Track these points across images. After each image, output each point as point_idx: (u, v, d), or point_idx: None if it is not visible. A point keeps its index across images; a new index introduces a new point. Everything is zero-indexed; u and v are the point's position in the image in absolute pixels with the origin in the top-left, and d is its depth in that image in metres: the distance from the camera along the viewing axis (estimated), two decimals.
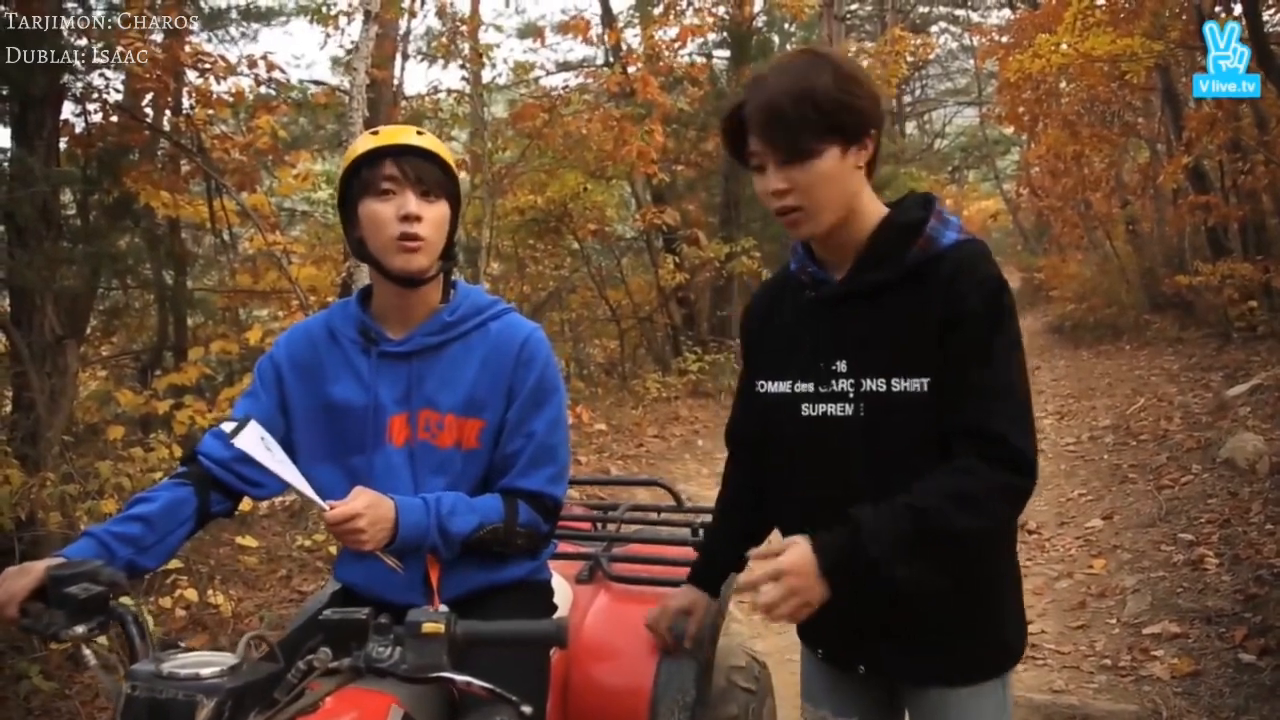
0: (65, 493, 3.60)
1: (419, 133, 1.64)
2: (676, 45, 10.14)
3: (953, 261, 1.45)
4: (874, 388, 1.47)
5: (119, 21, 6.08)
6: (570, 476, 1.84)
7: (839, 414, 1.50)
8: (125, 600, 1.36)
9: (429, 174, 1.61)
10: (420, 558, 1.61)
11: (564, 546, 2.29)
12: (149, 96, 6.93)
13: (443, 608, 1.23)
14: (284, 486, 1.51)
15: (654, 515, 2.64)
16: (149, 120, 6.70)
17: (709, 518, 2.15)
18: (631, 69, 9.61)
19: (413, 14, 9.16)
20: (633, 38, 11.22)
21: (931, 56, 21.13)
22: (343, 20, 7.96)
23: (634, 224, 12.44)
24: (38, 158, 4.79)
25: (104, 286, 6.95)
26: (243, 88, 7.04)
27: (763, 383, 1.61)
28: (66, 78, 5.48)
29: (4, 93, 5.00)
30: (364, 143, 1.62)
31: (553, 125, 8.36)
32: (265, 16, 9.85)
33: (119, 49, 5.44)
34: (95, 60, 5.65)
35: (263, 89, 7.40)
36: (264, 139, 7.04)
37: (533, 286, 11.63)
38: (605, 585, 2.18)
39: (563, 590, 2.00)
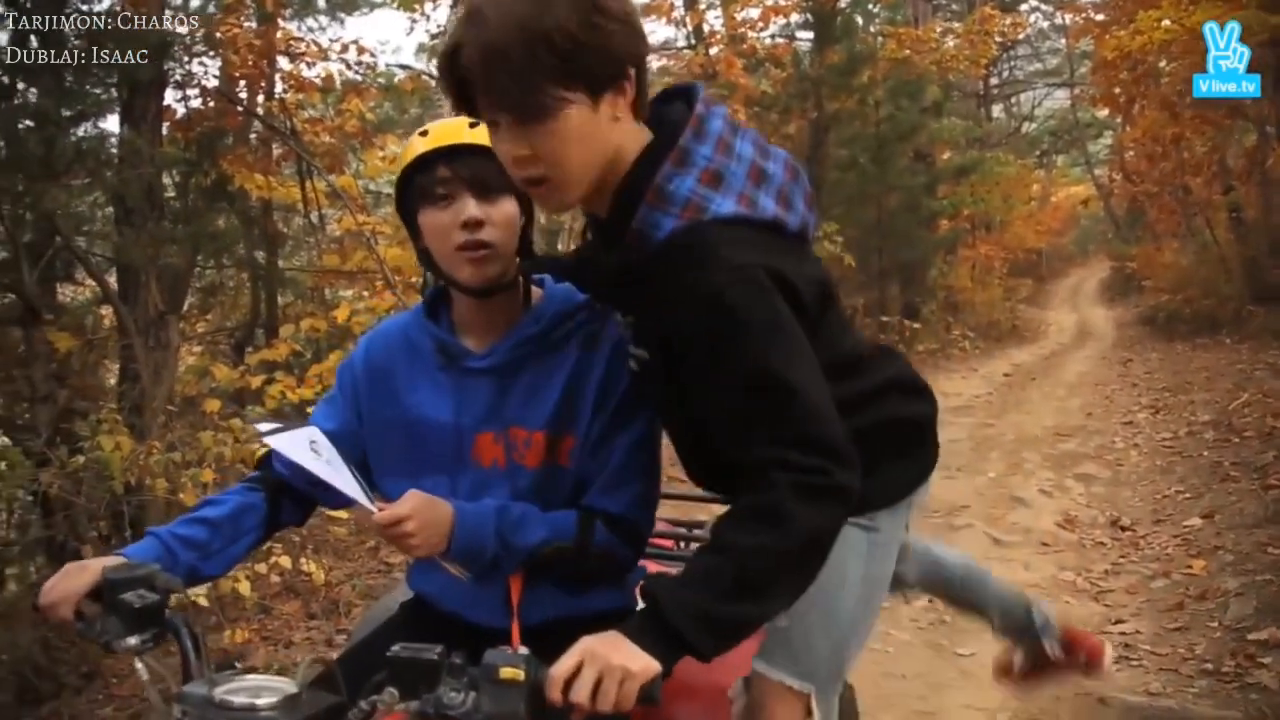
0: (170, 460, 3.75)
1: (473, 124, 1.41)
2: (759, 26, 10.04)
3: (661, 266, 1.17)
4: None
5: (216, 8, 6.30)
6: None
7: None
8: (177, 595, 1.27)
9: (488, 172, 1.39)
10: (502, 573, 1.45)
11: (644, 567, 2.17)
12: (244, 82, 7.17)
13: (523, 649, 1.09)
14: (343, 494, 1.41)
15: None
16: (244, 104, 6.90)
17: None
18: (714, 50, 9.54)
19: None
20: (715, 19, 11.15)
21: (1021, 36, 20.46)
22: (428, 6, 8.05)
23: None
24: (144, 141, 4.98)
25: (201, 265, 7.22)
26: (333, 72, 7.22)
27: None
28: (169, 65, 5.69)
29: (114, 80, 5.19)
30: (414, 146, 1.46)
31: None
32: (352, 4, 10.08)
33: (219, 35, 5.63)
34: (195, 47, 5.83)
35: (352, 73, 7.59)
36: (353, 122, 7.20)
37: None
38: None
39: None
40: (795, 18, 12.42)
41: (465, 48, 1.12)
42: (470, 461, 1.50)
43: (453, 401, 1.51)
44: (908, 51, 11.53)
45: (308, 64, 6.88)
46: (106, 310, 5.82)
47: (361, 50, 6.88)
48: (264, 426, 1.39)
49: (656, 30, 11.63)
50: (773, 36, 11.38)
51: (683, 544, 2.27)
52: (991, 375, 10.91)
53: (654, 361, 1.28)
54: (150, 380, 4.65)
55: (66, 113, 4.68)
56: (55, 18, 4.59)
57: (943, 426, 6.13)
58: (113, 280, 5.44)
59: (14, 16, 4.46)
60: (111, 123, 5.94)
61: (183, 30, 5.75)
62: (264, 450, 1.62)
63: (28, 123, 4.47)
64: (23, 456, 3.85)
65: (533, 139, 1.14)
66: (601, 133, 1.16)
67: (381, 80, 8.68)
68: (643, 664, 1.04)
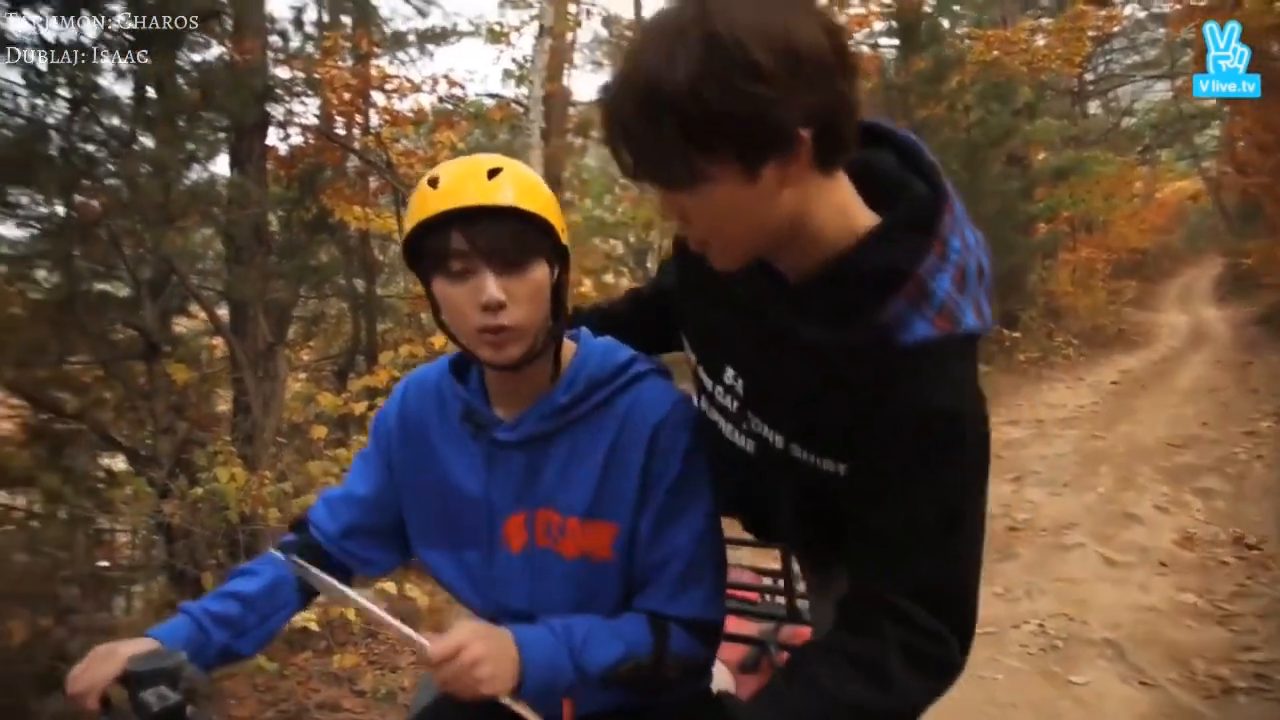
0: (281, 490, 3.90)
1: (493, 173, 1.20)
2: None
3: (904, 375, 1.01)
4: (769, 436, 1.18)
5: (314, 51, 6.57)
6: (737, 536, 1.49)
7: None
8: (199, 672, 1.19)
9: (511, 240, 1.20)
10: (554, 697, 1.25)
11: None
12: (341, 118, 7.46)
13: None
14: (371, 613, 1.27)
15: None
16: (341, 140, 7.17)
17: None
18: None
19: (577, 24, 9.35)
20: None
21: (1116, 30, 19.72)
22: (514, 36, 8.24)
23: None
24: (250, 181, 5.23)
25: (304, 296, 7.52)
26: (424, 105, 7.45)
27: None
28: (270, 106, 5.96)
29: (223, 124, 5.46)
30: (423, 200, 1.20)
31: None
32: (441, 37, 10.38)
33: (319, 75, 5.87)
34: (295, 88, 6.09)
35: (444, 104, 7.82)
36: (445, 153, 7.40)
37: None
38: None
39: (723, 680, 1.68)
40: (879, 25, 12.26)
41: (602, 103, 1.00)
42: (501, 544, 1.34)
43: (483, 475, 1.34)
44: (996, 53, 11.23)
45: (400, 98, 7.12)
46: (218, 341, 6.09)
47: (451, 83, 7.07)
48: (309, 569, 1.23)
49: None
50: (857, 46, 11.23)
51: (767, 597, 2.08)
52: (1098, 383, 10.49)
53: (792, 443, 1.14)
54: (260, 411, 4.85)
55: (180, 157, 4.92)
56: (171, 68, 4.87)
57: (1047, 440, 6.01)
58: (225, 314, 5.71)
59: (133, 70, 4.72)
60: (221, 163, 6.26)
61: (284, 75, 6.00)
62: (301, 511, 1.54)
63: (146, 168, 4.72)
64: (147, 486, 4.06)
65: (681, 206, 1.00)
66: (765, 202, 0.97)
67: (471, 109, 8.92)
68: None
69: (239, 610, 1.34)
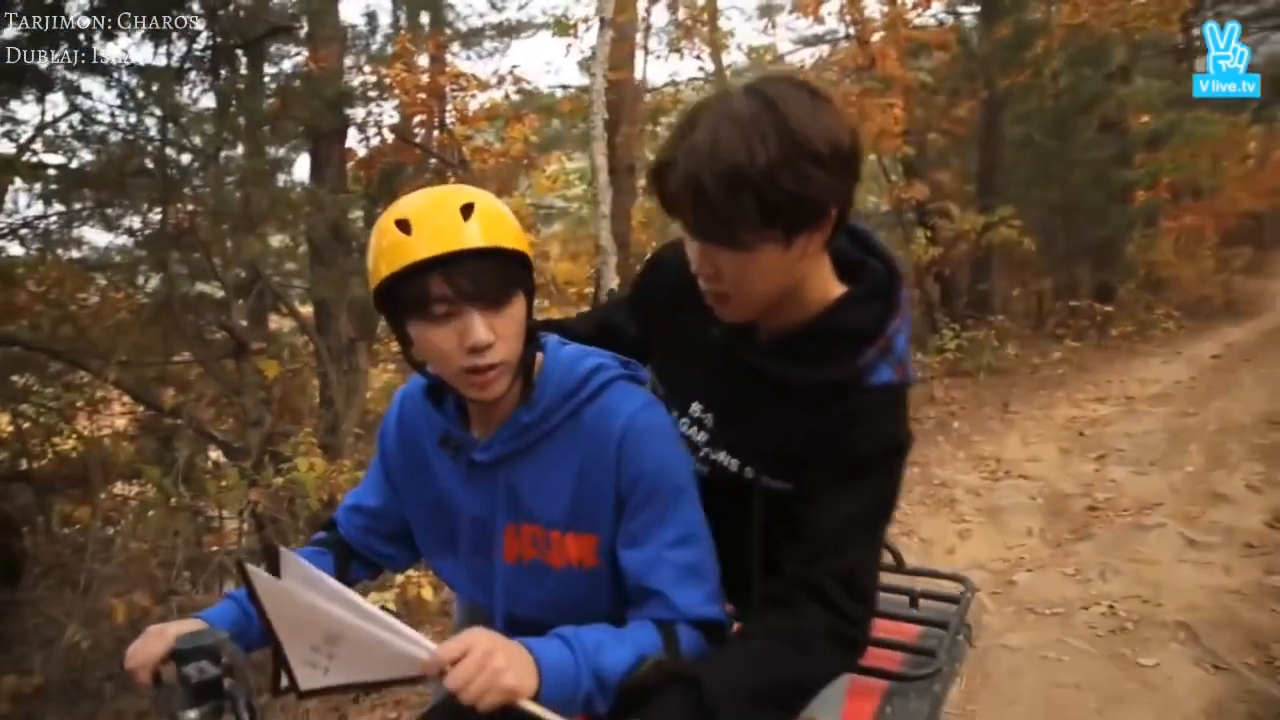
0: (356, 478, 4.11)
1: (466, 209, 1.19)
2: (920, 10, 9.68)
3: (869, 411, 1.23)
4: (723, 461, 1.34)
5: (390, 54, 6.82)
6: None
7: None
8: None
9: (493, 281, 1.19)
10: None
11: None
12: (418, 118, 7.70)
13: None
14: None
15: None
16: (418, 140, 7.41)
17: (934, 583, 1.96)
18: (876, 36, 9.29)
19: (648, 14, 9.41)
20: (874, 7, 10.85)
21: None
22: (581, 28, 8.34)
23: (884, 198, 12.06)
24: (327, 187, 5.49)
25: None
26: (497, 101, 7.64)
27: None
28: (349, 110, 6.22)
29: (302, 131, 5.74)
30: (395, 249, 1.18)
31: None
32: (515, 30, 10.58)
33: (389, 80, 6.11)
34: (370, 93, 6.34)
35: (515, 97, 8.01)
36: (518, 147, 7.59)
37: None
38: None
39: None
40: None
41: (675, 169, 1.13)
42: (499, 555, 1.37)
43: (467, 493, 1.37)
44: (1085, 16, 10.77)
45: (472, 96, 7.32)
46: (306, 338, 6.41)
47: (517, 79, 7.22)
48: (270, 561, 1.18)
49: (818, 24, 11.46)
50: (936, 16, 10.93)
51: None
52: (1197, 357, 10.04)
53: (749, 470, 1.31)
54: (343, 403, 5.11)
55: (262, 165, 5.20)
56: (250, 82, 5.15)
57: (1135, 417, 5.84)
58: (311, 312, 6.01)
59: (215, 86, 5.02)
60: (302, 166, 6.58)
61: (358, 81, 6.25)
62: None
63: (230, 178, 5.01)
64: (239, 476, 4.34)
65: (721, 263, 1.17)
66: (789, 267, 1.17)
67: (542, 102, 9.09)
68: None
69: None
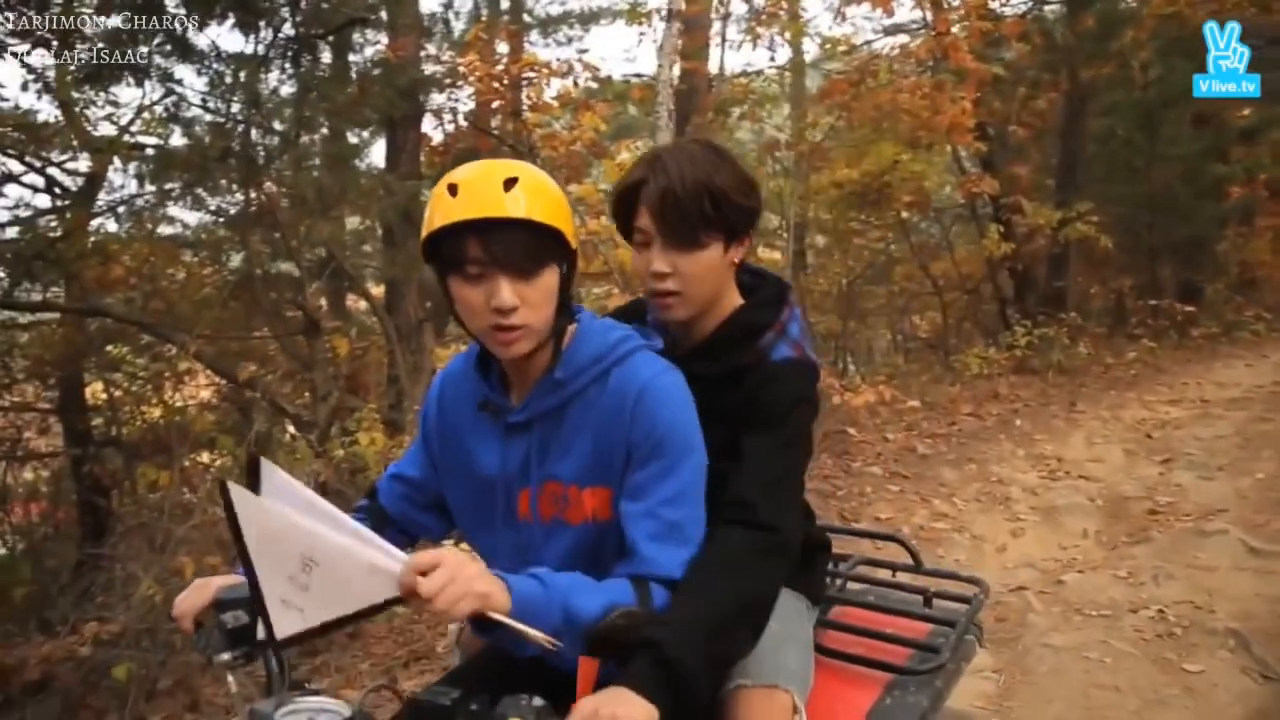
0: None
1: (509, 182, 1.29)
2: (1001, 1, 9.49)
3: (772, 377, 1.52)
4: None
5: (466, 42, 6.99)
6: None
7: None
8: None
9: (523, 251, 1.30)
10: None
11: None
12: (495, 104, 7.88)
13: (537, 700, 1.07)
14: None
15: (886, 575, 2.24)
16: (485, 129, 7.59)
17: (950, 584, 2.05)
18: (956, 27, 9.13)
19: (725, 4, 9.40)
20: None
21: None
22: (655, 18, 8.42)
23: (958, 191, 11.85)
24: (401, 172, 5.69)
25: None
26: (570, 89, 7.75)
27: None
28: (425, 98, 6.42)
29: (378, 118, 5.96)
30: (441, 205, 1.30)
31: (861, 99, 8.25)
32: (593, 18, 10.71)
33: (464, 68, 6.28)
34: (445, 81, 6.52)
35: (592, 85, 8.12)
36: (588, 134, 7.69)
37: (857, 260, 11.52)
38: (815, 660, 1.73)
39: None
40: None
41: (649, 186, 1.48)
42: (518, 519, 1.47)
43: (500, 456, 1.47)
44: (1179, 5, 10.39)
45: (546, 84, 7.44)
46: (376, 317, 6.65)
47: (587, 67, 7.33)
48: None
49: (899, 12, 11.26)
50: (1018, 5, 10.67)
51: None
52: None
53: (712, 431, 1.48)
54: (408, 380, 5.32)
55: (337, 150, 5.42)
56: (331, 70, 5.37)
57: (1208, 421, 5.73)
58: (381, 293, 6.25)
59: (297, 74, 5.25)
60: (379, 151, 6.81)
61: (433, 69, 6.44)
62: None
63: (308, 162, 5.24)
64: (309, 448, 4.57)
65: (678, 262, 1.49)
66: (722, 270, 1.53)
67: (617, 89, 9.19)
68: (645, 713, 1.16)
69: None
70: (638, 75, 9.95)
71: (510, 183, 1.28)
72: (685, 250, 1.48)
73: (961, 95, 7.95)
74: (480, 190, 1.28)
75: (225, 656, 1.30)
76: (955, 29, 8.93)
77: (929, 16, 10.05)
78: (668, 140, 5.86)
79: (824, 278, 11.97)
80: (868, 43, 10.86)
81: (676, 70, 7.00)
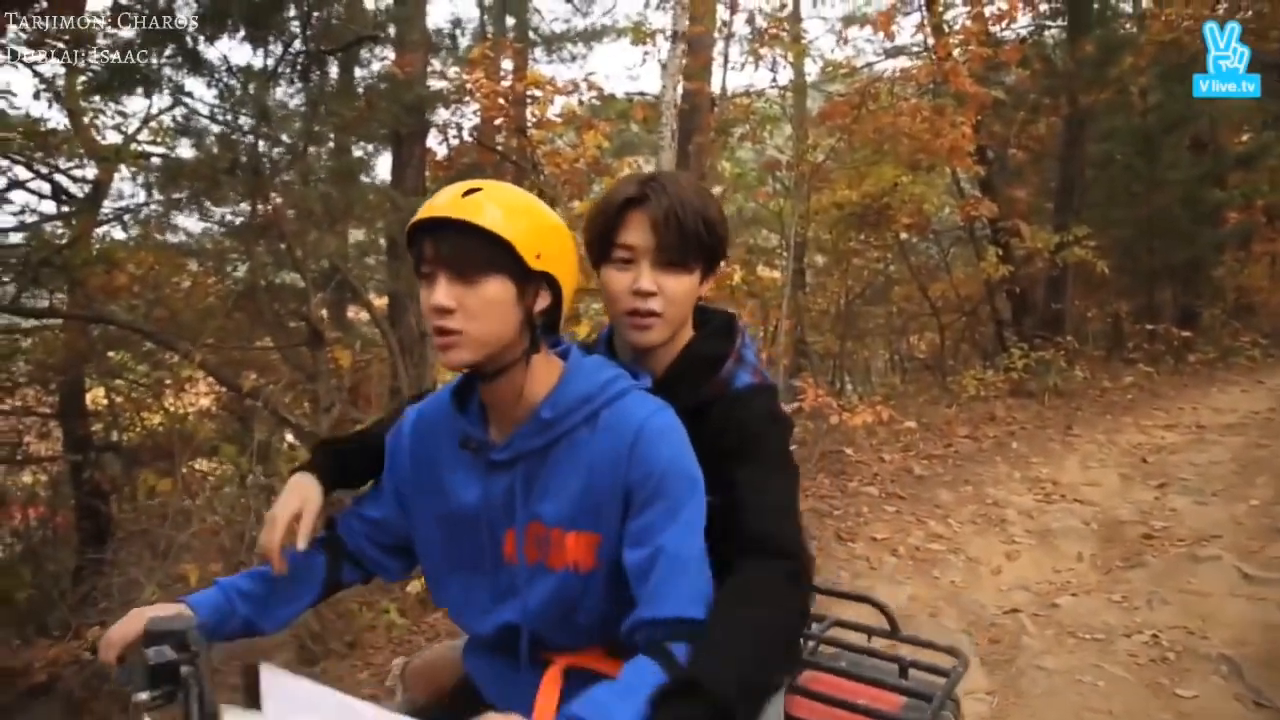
0: None
1: (469, 192, 1.31)
2: (1004, 24, 9.58)
3: (740, 403, 1.51)
4: None
5: (464, 64, 7.07)
6: None
7: None
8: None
9: (468, 252, 1.28)
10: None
11: None
12: (498, 120, 7.95)
13: None
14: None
15: (860, 639, 2.09)
16: (489, 145, 7.66)
17: (928, 655, 1.92)
18: (956, 51, 9.23)
19: (728, 24, 9.50)
20: (957, 16, 10.73)
21: None
22: (659, 38, 8.50)
23: (957, 213, 11.94)
24: (407, 186, 5.75)
25: None
26: (573, 106, 7.83)
27: None
28: (429, 114, 6.48)
29: (384, 132, 6.02)
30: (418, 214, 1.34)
31: (861, 121, 8.32)
32: (596, 35, 10.80)
33: (470, 85, 6.35)
34: (451, 97, 6.59)
35: (592, 101, 8.20)
36: (590, 152, 7.77)
37: (856, 280, 11.59)
38: None
39: None
40: (1044, 7, 11.69)
41: (648, 202, 1.48)
42: (503, 561, 1.43)
43: (482, 496, 1.42)
44: (1178, 33, 10.51)
45: (550, 102, 7.52)
46: (379, 330, 6.69)
47: (591, 86, 7.40)
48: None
49: (900, 35, 11.38)
50: (1018, 30, 10.77)
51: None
52: None
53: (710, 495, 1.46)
54: (408, 392, 5.35)
55: (344, 164, 5.47)
56: (338, 85, 5.43)
57: (1203, 446, 5.77)
58: (385, 305, 6.29)
59: (305, 88, 5.30)
60: (384, 165, 6.87)
61: (440, 86, 6.50)
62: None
63: (314, 176, 5.29)
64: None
65: (663, 281, 1.49)
66: (693, 299, 1.56)
67: (618, 108, 9.26)
68: None
69: (265, 589, 1.48)
70: (640, 94, 10.04)
71: (473, 191, 1.31)
72: (674, 271, 1.49)
73: (961, 120, 8.03)
74: (443, 196, 1.32)
75: (143, 696, 1.20)
76: (955, 53, 9.03)
77: (930, 41, 10.17)
78: (670, 159, 5.93)
79: (822, 297, 12.05)
80: (868, 64, 10.98)
81: (679, 90, 7.06)
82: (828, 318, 11.49)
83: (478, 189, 1.32)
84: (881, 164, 8.81)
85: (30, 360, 7.14)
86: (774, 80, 9.76)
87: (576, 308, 8.76)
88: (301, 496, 1.46)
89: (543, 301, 1.37)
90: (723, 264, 1.60)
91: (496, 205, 1.30)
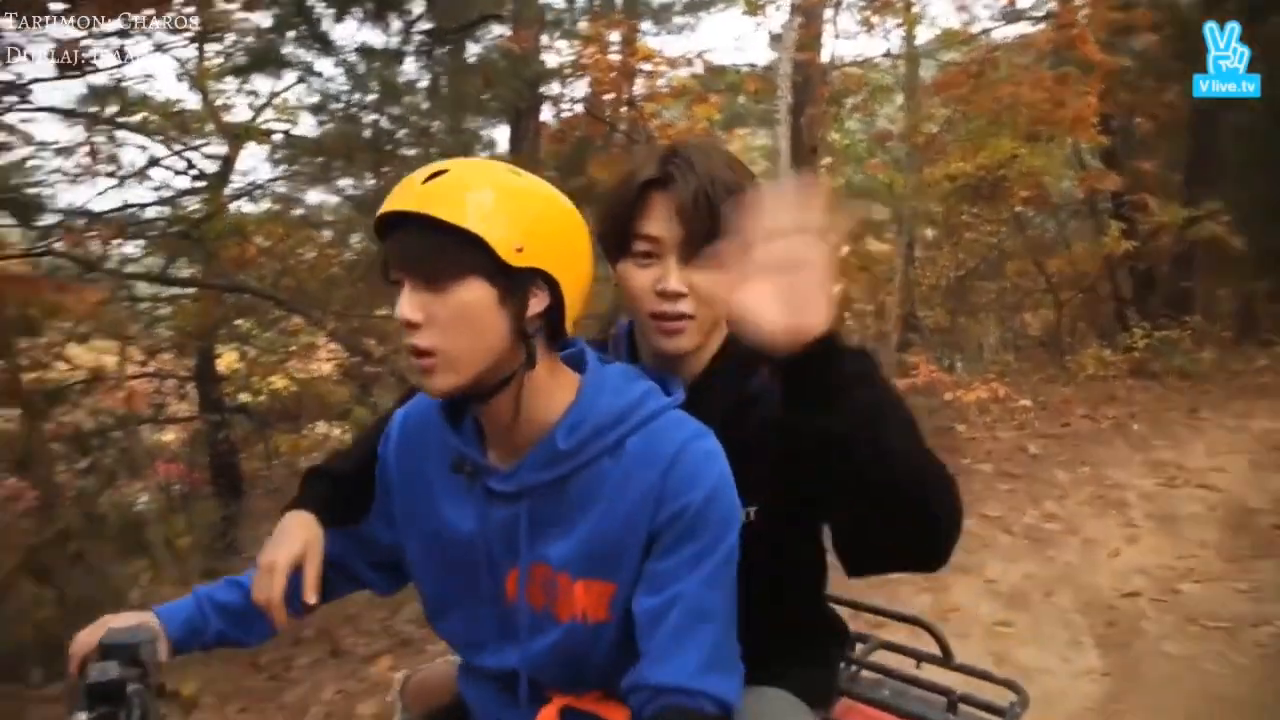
0: None
1: (432, 176, 1.08)
2: None
3: None
4: None
5: (584, 30, 7.17)
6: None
7: None
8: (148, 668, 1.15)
9: (432, 252, 1.06)
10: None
11: None
12: (610, 95, 8.03)
13: None
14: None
15: (909, 664, 1.83)
16: (603, 117, 7.75)
17: (981, 688, 1.68)
18: (1082, 14, 8.84)
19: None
20: None
21: None
22: (770, 9, 8.43)
23: (1079, 186, 11.47)
24: (524, 159, 5.88)
25: None
26: (683, 80, 7.84)
27: None
28: (545, 88, 6.61)
29: (502, 107, 6.17)
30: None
31: (979, 91, 8.08)
32: (703, 6, 10.74)
33: (583, 60, 6.45)
34: (565, 72, 6.70)
35: (698, 78, 8.20)
36: (701, 125, 7.78)
37: (968, 254, 11.29)
38: None
39: None
40: None
41: (673, 184, 1.20)
42: (506, 599, 1.22)
43: (479, 527, 1.20)
44: None
45: (660, 75, 7.55)
46: None
47: (702, 61, 7.42)
48: None
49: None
50: None
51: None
52: None
53: (762, 513, 1.25)
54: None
55: (462, 137, 5.65)
56: (459, 62, 5.59)
57: None
58: None
59: (428, 64, 5.49)
60: (503, 138, 7.05)
61: (555, 61, 6.62)
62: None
63: (434, 150, 5.47)
64: None
65: (693, 279, 1.21)
66: None
67: (729, 80, 9.21)
68: None
69: (241, 602, 1.30)
70: (750, 65, 9.95)
71: (435, 175, 1.08)
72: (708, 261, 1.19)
73: (1086, 90, 7.71)
74: (404, 184, 1.09)
75: (83, 716, 1.07)
76: (1081, 16, 8.66)
77: (1053, 5, 9.76)
78: (786, 132, 5.89)
79: (932, 271, 11.78)
80: (985, 31, 10.60)
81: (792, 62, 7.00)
82: (938, 292, 11.24)
83: (442, 171, 1.08)
84: (999, 135, 8.55)
85: (170, 327, 7.61)
86: (888, 51, 9.51)
87: None
88: (303, 541, 1.24)
89: (538, 303, 1.11)
90: None
91: (463, 191, 1.07)
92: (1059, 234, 12.74)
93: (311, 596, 1.23)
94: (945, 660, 1.80)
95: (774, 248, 0.97)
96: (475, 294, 1.06)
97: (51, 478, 4.57)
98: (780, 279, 0.98)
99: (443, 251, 1.05)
